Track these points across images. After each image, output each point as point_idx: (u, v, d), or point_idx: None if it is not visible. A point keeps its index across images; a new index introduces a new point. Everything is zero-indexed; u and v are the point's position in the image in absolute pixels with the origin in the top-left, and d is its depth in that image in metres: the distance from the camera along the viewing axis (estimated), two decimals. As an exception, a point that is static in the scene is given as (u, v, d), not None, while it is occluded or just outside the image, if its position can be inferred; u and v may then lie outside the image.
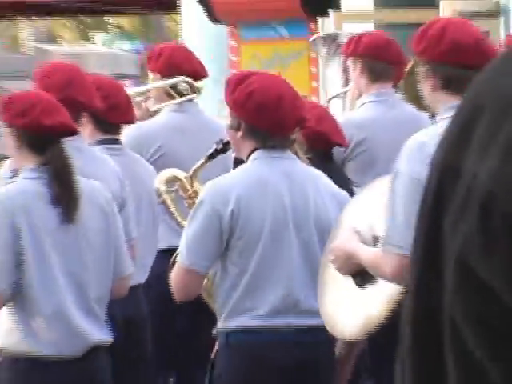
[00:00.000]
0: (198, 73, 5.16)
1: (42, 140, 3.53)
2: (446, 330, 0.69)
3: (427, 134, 3.05)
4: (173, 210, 4.30)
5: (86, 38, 21.14)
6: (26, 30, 22.02)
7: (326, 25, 8.51)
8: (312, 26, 9.17)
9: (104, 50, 19.65)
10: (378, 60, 4.76)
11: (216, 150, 3.96)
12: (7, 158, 4.34)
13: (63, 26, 21.74)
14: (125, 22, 21.75)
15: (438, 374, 0.71)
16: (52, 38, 20.94)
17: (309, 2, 8.81)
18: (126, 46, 20.00)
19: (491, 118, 0.62)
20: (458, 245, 0.66)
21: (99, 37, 21.20)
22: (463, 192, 0.64)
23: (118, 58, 18.14)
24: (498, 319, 0.62)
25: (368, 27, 7.38)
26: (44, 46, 18.64)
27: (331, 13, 8.28)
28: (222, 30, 9.67)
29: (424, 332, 0.74)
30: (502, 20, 7.64)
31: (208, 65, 5.65)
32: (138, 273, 3.99)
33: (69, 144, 3.56)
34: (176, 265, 3.61)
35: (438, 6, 7.54)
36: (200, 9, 9.36)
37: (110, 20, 20.60)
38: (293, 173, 3.59)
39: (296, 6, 8.91)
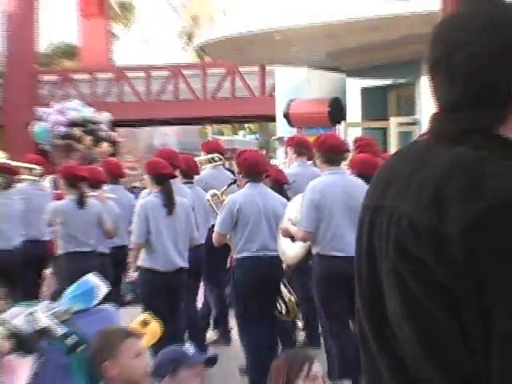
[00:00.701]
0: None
1: (161, 179, 6.92)
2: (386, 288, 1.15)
3: (318, 181, 6.23)
4: (214, 207, 7.72)
5: (236, 133, 38.89)
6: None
7: (339, 129, 13.78)
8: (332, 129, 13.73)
9: (242, 138, 36.83)
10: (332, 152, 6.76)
11: (231, 183, 7.72)
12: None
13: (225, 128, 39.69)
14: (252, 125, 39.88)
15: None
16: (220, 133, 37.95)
17: (332, 117, 13.90)
18: (252, 136, 38.28)
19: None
20: (391, 252, 1.12)
21: (241, 132, 39.93)
22: (387, 217, 1.12)
23: (248, 143, 31.43)
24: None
25: (359, 130, 13.03)
26: (216, 137, 30.97)
27: (342, 122, 13.56)
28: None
29: (370, 296, 1.22)
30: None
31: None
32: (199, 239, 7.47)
33: (172, 182, 7.08)
34: (214, 231, 6.85)
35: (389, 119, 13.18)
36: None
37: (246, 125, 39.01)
38: (264, 193, 6.68)
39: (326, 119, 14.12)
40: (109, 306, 4.85)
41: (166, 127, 32.23)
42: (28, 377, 4.09)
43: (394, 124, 12.74)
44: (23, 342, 4.10)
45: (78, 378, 4.03)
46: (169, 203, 6.92)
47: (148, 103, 23.91)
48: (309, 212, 6.26)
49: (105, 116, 19.58)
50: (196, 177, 8.28)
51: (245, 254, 6.63)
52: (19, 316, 4.20)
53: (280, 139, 15.58)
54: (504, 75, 1.15)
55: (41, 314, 4.17)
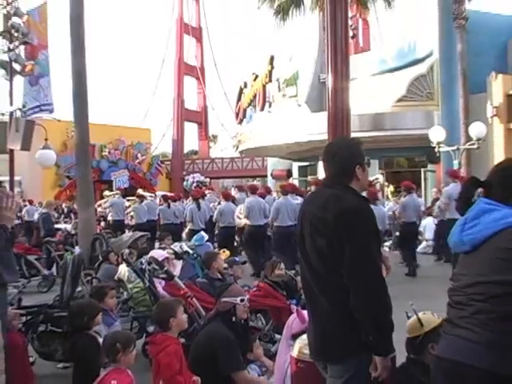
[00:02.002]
0: None
1: None
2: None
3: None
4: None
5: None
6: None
7: (291, 179, 32.08)
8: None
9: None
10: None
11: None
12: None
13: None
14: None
15: None
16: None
17: (288, 176, 31.10)
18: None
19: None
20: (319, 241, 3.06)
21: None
22: (307, 214, 3.25)
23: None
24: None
25: (296, 181, 31.71)
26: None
27: (290, 178, 31.60)
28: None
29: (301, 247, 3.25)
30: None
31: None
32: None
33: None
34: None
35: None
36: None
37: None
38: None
39: (285, 176, 32.83)
40: (208, 243, 10.21)
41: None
42: (179, 269, 7.77)
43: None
44: (178, 254, 8.10)
45: (198, 269, 8.21)
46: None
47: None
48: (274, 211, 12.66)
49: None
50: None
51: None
52: (178, 246, 8.50)
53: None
54: (351, 165, 3.13)
55: (184, 245, 8.63)
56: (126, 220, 18.93)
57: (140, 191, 21.13)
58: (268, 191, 15.36)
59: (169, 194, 21.76)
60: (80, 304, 5.76)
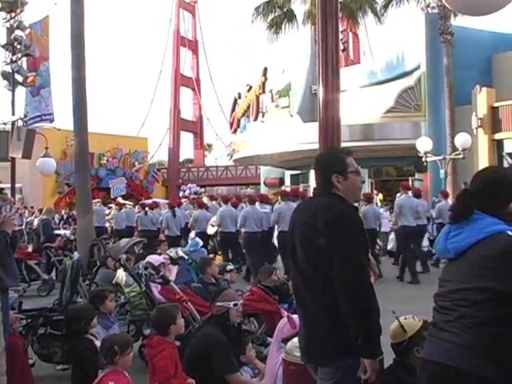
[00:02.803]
0: None
1: None
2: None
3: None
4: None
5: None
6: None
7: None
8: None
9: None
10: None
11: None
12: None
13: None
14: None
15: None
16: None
17: (280, 185, 32.41)
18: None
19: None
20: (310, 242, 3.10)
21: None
22: (297, 222, 3.27)
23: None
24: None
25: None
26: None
27: (283, 186, 32.40)
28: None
29: (292, 252, 3.28)
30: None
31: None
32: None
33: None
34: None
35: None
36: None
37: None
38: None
39: (277, 184, 33.22)
40: (203, 249, 11.12)
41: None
42: (174, 274, 7.95)
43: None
44: (173, 260, 8.34)
45: (193, 273, 8.49)
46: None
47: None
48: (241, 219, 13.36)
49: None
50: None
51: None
52: (173, 252, 8.80)
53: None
54: (328, 174, 3.23)
55: (180, 251, 8.89)
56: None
57: (119, 200, 22.26)
58: (265, 199, 15.29)
59: (146, 201, 22.00)
60: (76, 309, 5.76)
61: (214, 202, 17.63)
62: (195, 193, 38.89)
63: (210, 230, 15.01)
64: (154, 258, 7.64)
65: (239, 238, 14.38)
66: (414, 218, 13.16)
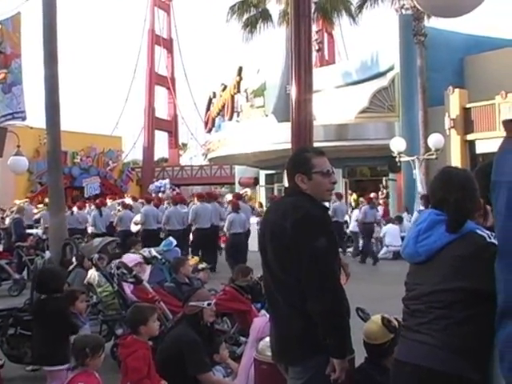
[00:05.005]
0: None
1: None
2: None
3: None
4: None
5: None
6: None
7: (257, 188, 32.71)
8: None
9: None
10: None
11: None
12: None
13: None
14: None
15: None
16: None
17: (254, 184, 32.65)
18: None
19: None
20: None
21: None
22: (268, 222, 3.30)
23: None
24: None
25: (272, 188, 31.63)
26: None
27: (257, 185, 32.50)
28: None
29: (262, 253, 3.28)
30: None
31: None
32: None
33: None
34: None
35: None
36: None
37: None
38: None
39: (252, 183, 33.21)
40: (177, 248, 10.23)
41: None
42: (148, 273, 7.65)
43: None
44: (146, 259, 7.90)
45: (166, 274, 8.29)
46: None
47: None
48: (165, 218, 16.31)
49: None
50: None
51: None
52: (147, 251, 8.44)
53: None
54: (292, 174, 3.23)
55: (153, 251, 8.56)
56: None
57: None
58: (214, 197, 16.95)
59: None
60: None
61: (135, 203, 19.57)
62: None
63: (134, 228, 16.38)
64: (130, 257, 7.60)
65: (160, 234, 16.08)
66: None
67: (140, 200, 20.34)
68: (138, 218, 16.38)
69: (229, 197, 21.48)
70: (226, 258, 14.71)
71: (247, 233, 15.09)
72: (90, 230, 17.34)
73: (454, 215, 2.58)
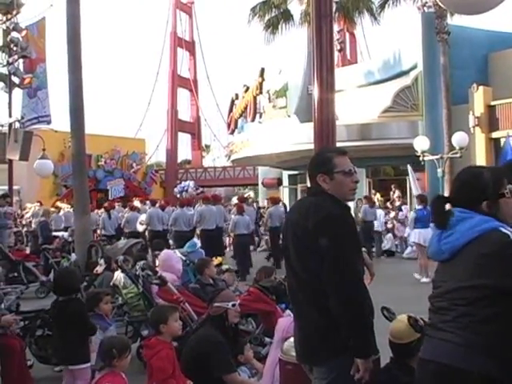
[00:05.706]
0: None
1: None
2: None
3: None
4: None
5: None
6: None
7: (280, 188, 32.65)
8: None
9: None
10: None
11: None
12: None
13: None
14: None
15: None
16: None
17: (278, 184, 33.04)
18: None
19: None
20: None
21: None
22: (289, 222, 3.31)
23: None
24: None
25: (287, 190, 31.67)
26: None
27: (281, 186, 32.78)
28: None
29: (285, 252, 3.29)
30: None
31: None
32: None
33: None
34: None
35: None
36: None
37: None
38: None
39: (276, 184, 33.23)
40: (201, 250, 11.06)
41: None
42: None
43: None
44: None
45: (190, 275, 8.45)
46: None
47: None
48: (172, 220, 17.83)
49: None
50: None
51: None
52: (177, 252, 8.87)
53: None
54: (314, 175, 3.25)
55: (178, 252, 8.81)
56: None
57: (58, 203, 24.37)
58: (219, 200, 17.41)
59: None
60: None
61: (142, 205, 20.49)
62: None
63: (140, 228, 17.32)
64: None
65: (167, 236, 16.94)
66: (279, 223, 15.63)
67: (147, 202, 20.93)
68: (143, 217, 17.30)
69: (234, 200, 22.65)
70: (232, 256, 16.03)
71: (251, 234, 16.26)
72: (99, 231, 17.89)
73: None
